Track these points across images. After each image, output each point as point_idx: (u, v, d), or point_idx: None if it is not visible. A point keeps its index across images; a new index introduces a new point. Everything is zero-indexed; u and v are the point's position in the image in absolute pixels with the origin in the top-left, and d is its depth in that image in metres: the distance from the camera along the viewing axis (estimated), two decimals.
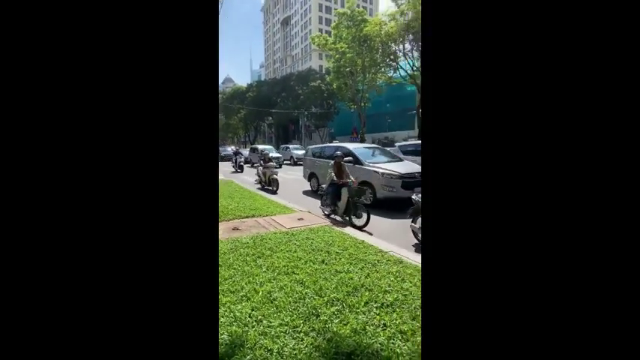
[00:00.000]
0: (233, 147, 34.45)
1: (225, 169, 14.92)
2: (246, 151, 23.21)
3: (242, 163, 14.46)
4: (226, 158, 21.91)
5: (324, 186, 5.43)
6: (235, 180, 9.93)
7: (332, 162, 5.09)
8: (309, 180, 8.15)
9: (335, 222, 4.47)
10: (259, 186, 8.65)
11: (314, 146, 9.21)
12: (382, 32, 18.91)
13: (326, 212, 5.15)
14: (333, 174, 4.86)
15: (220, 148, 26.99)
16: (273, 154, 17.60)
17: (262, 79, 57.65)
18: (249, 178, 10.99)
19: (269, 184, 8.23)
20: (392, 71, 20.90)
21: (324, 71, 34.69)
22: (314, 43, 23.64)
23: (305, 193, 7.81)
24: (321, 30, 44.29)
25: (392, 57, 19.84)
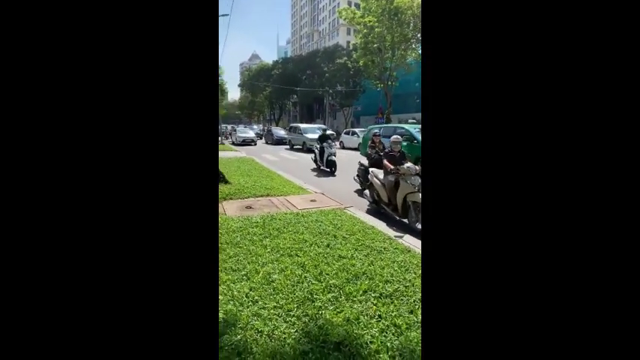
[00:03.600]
0: (260, 126, 33.40)
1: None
2: (281, 131, 19.51)
3: (334, 157, 7.63)
4: (275, 140, 17.90)
5: None
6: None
7: None
8: None
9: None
10: (371, 206, 4.37)
11: None
12: (414, 3, 17.55)
13: None
14: None
15: (241, 128, 22.68)
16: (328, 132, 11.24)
17: (288, 55, 56.61)
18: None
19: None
20: None
21: (351, 47, 33.26)
22: (341, 17, 22.54)
23: None
24: (349, 3, 42.06)
25: None
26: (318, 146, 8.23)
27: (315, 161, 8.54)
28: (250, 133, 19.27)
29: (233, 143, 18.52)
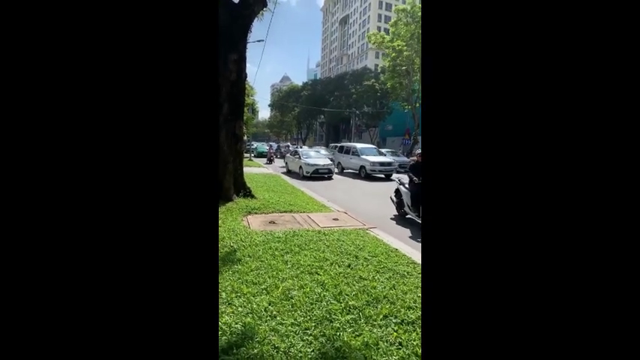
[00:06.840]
0: (288, 143, 33.30)
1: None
2: (322, 150, 15.11)
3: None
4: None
5: None
6: None
7: None
8: None
9: None
10: None
11: None
12: None
13: None
14: None
15: (306, 150, 13.67)
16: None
17: (318, 77, 58.68)
18: None
19: None
20: None
21: (379, 70, 33.85)
22: (370, 42, 23.20)
23: None
24: (379, 28, 43.31)
25: None
26: (407, 180, 4.92)
27: (399, 205, 5.13)
28: (322, 160, 11.16)
29: (289, 171, 11.93)
